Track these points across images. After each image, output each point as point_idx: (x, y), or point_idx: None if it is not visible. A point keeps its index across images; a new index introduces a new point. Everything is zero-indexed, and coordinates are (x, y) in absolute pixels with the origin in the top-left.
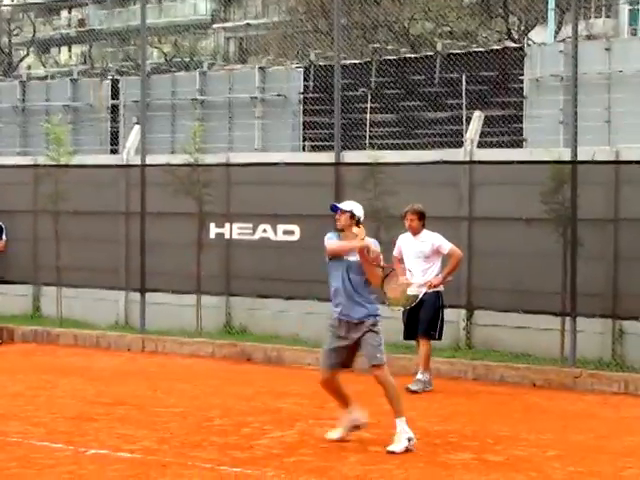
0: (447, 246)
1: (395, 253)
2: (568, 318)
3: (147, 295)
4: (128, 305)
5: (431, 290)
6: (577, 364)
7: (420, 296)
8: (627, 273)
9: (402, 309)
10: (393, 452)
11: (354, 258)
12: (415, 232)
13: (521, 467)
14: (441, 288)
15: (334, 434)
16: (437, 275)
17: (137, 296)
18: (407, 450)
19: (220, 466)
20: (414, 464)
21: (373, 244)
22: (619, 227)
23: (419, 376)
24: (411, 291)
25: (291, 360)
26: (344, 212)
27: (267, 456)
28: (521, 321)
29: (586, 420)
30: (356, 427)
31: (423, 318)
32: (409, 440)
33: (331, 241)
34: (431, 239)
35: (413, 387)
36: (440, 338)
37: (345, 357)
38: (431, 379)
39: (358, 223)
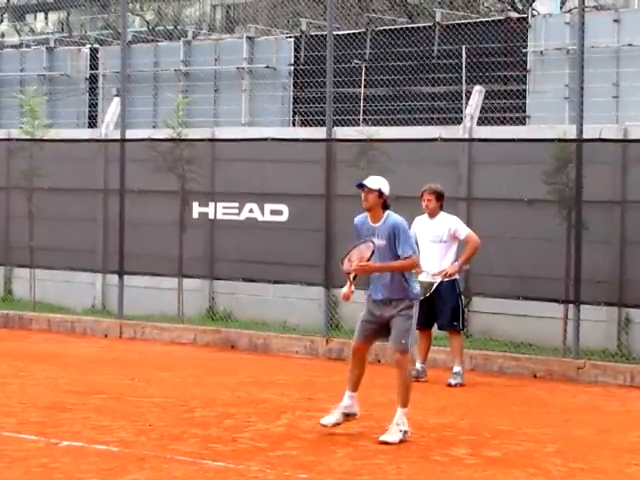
0: (464, 231)
1: None
2: (571, 306)
3: (126, 278)
4: (105, 289)
5: (446, 279)
6: (580, 355)
7: (435, 285)
8: (634, 258)
9: None
10: (387, 442)
11: (379, 242)
12: (432, 214)
13: (519, 463)
14: (457, 276)
15: (328, 419)
16: (453, 263)
17: (115, 279)
18: (400, 442)
19: (201, 460)
20: (407, 459)
21: (396, 226)
22: (627, 210)
23: (456, 369)
24: (423, 278)
25: (278, 348)
26: (371, 191)
27: (251, 450)
28: (522, 309)
29: (589, 414)
30: (348, 415)
31: (444, 310)
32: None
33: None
34: (448, 223)
35: (452, 381)
36: (464, 328)
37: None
38: (425, 369)
39: (386, 203)
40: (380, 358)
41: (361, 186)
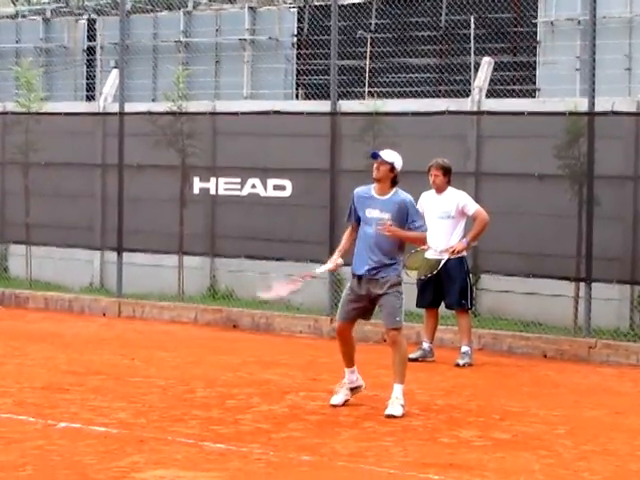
0: (473, 207)
1: None
2: (583, 284)
3: (124, 255)
4: (104, 266)
5: (454, 256)
6: (592, 334)
7: (443, 262)
8: None
9: (422, 277)
10: (393, 416)
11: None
12: (439, 189)
13: (529, 445)
14: (464, 253)
15: (337, 399)
16: (461, 239)
17: (114, 256)
18: (402, 416)
19: (202, 442)
20: (413, 441)
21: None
22: None
23: (464, 349)
24: (430, 255)
25: (281, 328)
26: (385, 163)
27: (254, 431)
28: (531, 287)
29: (600, 395)
30: (354, 389)
31: (452, 288)
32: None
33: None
34: (456, 198)
35: (461, 361)
36: (472, 307)
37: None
38: (433, 349)
39: (395, 178)
40: (386, 337)
41: (375, 156)
